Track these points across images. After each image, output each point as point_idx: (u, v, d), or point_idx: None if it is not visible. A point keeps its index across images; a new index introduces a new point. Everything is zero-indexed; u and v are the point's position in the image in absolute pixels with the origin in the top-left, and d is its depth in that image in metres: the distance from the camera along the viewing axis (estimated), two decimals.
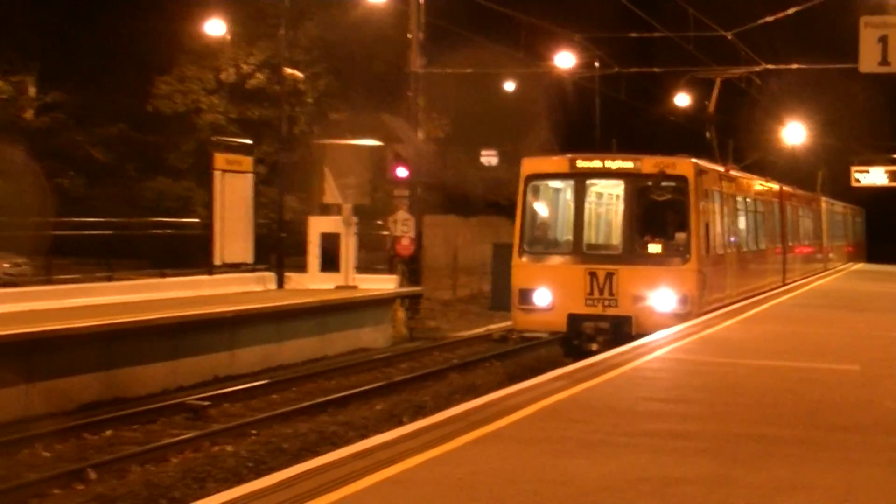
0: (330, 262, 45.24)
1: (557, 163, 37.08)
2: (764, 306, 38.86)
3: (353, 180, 43.94)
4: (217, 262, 44.30)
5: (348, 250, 45.11)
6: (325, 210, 45.80)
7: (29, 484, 21.80)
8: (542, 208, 37.40)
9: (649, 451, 14.25)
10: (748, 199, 45.69)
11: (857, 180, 70.75)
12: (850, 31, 33.11)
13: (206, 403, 29.97)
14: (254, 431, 27.38)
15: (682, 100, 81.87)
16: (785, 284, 52.81)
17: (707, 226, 35.72)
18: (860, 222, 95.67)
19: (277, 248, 48.09)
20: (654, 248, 34.84)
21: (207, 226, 45.55)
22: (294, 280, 45.90)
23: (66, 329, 29.97)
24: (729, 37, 51.13)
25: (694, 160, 35.43)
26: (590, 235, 37.11)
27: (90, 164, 69.12)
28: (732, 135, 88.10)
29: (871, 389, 20.33)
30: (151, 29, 67.57)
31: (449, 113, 67.28)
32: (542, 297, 34.81)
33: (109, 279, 43.92)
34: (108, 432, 26.86)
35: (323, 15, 68.14)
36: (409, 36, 47.88)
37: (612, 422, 16.33)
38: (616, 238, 37.07)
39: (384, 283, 45.99)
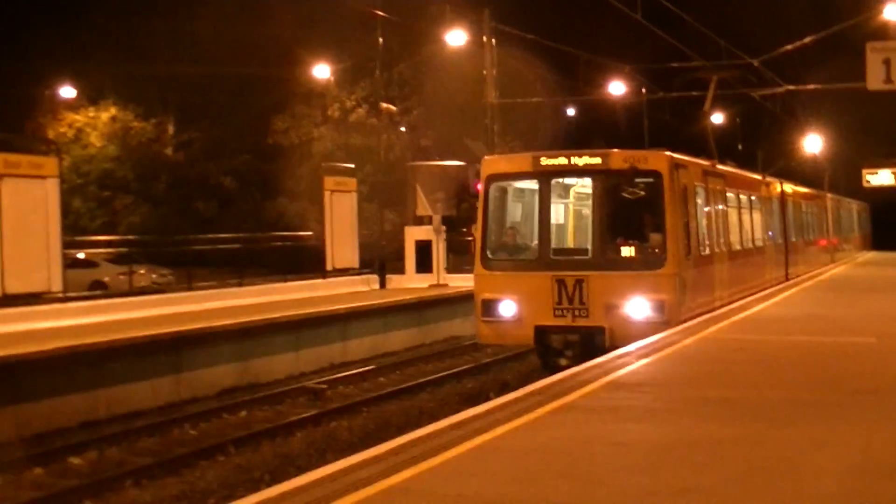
0: (423, 264, 45.40)
1: (520, 161, 29.29)
2: (762, 304, 30.93)
3: (441, 195, 43.84)
4: (329, 267, 44.90)
5: (439, 254, 45.07)
6: (419, 221, 45.83)
7: (179, 457, 21.99)
8: (505, 212, 29.43)
9: (700, 417, 14.14)
10: (742, 196, 37.18)
11: (868, 181, 69.96)
12: (859, 54, 33.00)
13: (324, 387, 29.99)
14: (364, 409, 27.41)
15: (717, 118, 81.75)
16: (788, 279, 44.47)
17: (687, 225, 27.78)
18: (865, 216, 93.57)
19: (379, 254, 48.27)
20: (627, 251, 27.08)
21: (320, 237, 46.32)
22: (394, 281, 45.98)
23: (207, 328, 30.22)
24: (755, 64, 50.97)
25: (668, 153, 27.26)
26: (557, 239, 29.23)
27: (221, 189, 69.62)
28: (760, 146, 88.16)
29: (886, 359, 19.92)
30: (268, 75, 67.93)
31: (520, 136, 67.04)
32: (507, 308, 27.25)
33: (240, 285, 44.25)
34: (243, 413, 27.01)
35: (412, 58, 68.33)
36: (484, 73, 47.78)
37: (667, 392, 16.28)
38: (586, 242, 28.54)
39: (470, 282, 45.87)
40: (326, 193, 45.10)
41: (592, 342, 25.88)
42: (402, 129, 67.88)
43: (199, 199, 67.87)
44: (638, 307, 26.08)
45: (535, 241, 28.04)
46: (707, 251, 30.09)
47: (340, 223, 44.69)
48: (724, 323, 26.01)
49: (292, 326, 33.45)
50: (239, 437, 23.94)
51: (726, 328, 25.08)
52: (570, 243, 30.26)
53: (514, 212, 29.62)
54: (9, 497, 19.26)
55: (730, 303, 31.26)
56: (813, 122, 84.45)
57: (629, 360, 19.33)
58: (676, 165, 27.19)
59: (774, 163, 78.97)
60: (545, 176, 27.79)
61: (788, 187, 49.52)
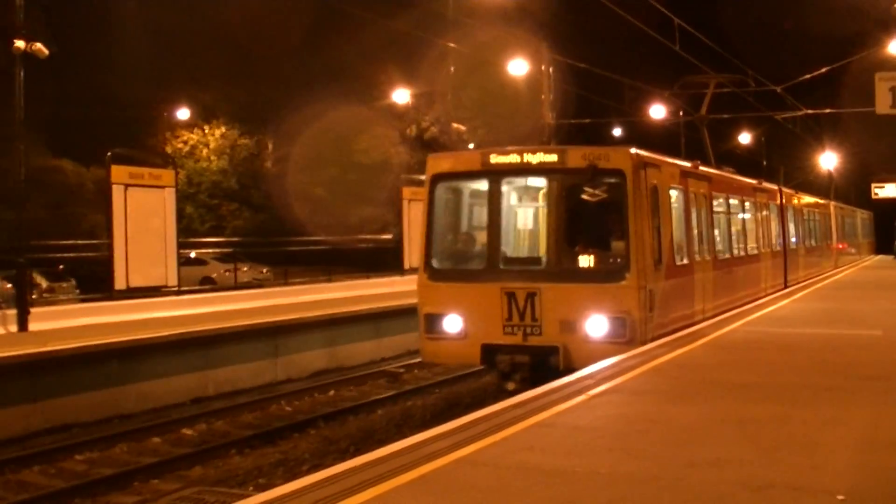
0: None
1: (468, 159, 23.79)
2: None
3: None
4: (406, 266, 45.05)
5: None
6: None
7: (276, 430, 22.14)
8: (451, 215, 23.65)
9: (730, 398, 14.09)
10: (733, 201, 31.27)
11: (876, 193, 69.46)
12: (868, 82, 32.79)
13: (402, 371, 30.06)
14: (436, 390, 27.50)
15: (744, 137, 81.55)
16: (787, 286, 38.84)
17: (659, 230, 22.26)
18: (870, 224, 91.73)
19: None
20: (586, 260, 21.69)
21: (398, 240, 46.48)
22: None
23: (301, 318, 30.40)
24: (779, 90, 50.81)
25: (634, 150, 21.68)
26: (509, 247, 23.28)
27: (312, 198, 69.75)
28: (783, 162, 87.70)
29: (892, 349, 19.78)
30: (353, 99, 68.18)
31: None
32: (452, 323, 21.80)
33: (328, 281, 44.49)
34: (332, 392, 27.16)
35: (478, 83, 68.33)
36: (542, 97, 47.70)
37: (700, 376, 16.19)
38: (540, 249, 23.13)
39: None
40: (404, 202, 45.49)
41: (546, 364, 20.72)
42: (471, 146, 67.98)
43: (292, 207, 68.27)
44: (597, 325, 20.69)
45: (484, 249, 22.50)
46: (686, 260, 24.51)
47: (415, 227, 44.53)
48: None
49: (373, 317, 33.54)
50: (327, 413, 24.10)
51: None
52: (523, 251, 23.91)
53: (463, 216, 23.87)
54: (132, 461, 19.50)
55: (717, 315, 25.93)
56: (828, 141, 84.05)
57: (665, 351, 19.22)
58: (644, 164, 21.74)
59: (795, 177, 78.58)
60: (496, 175, 22.33)
61: (788, 193, 43.63)
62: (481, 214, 22.93)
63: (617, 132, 74.05)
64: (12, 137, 30.34)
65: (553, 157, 21.64)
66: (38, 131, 56.68)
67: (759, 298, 32.20)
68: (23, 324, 27.39)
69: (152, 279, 31.77)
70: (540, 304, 20.92)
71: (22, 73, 28.92)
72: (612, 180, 21.19)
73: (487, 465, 10.55)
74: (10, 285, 35.08)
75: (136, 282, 31.31)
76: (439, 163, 23.00)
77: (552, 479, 9.93)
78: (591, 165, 20.91)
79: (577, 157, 21.18)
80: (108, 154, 32.33)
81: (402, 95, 64.48)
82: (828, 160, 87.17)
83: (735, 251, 30.46)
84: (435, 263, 22.42)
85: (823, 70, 47.26)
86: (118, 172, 31.42)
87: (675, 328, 22.26)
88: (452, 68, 49.77)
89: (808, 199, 50.35)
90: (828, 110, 57.79)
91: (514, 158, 21.94)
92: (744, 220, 32.67)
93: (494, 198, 22.28)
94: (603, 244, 21.64)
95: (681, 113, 62.46)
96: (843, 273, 52.52)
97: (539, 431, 12.20)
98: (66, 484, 17.77)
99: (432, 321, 21.94)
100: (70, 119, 63.82)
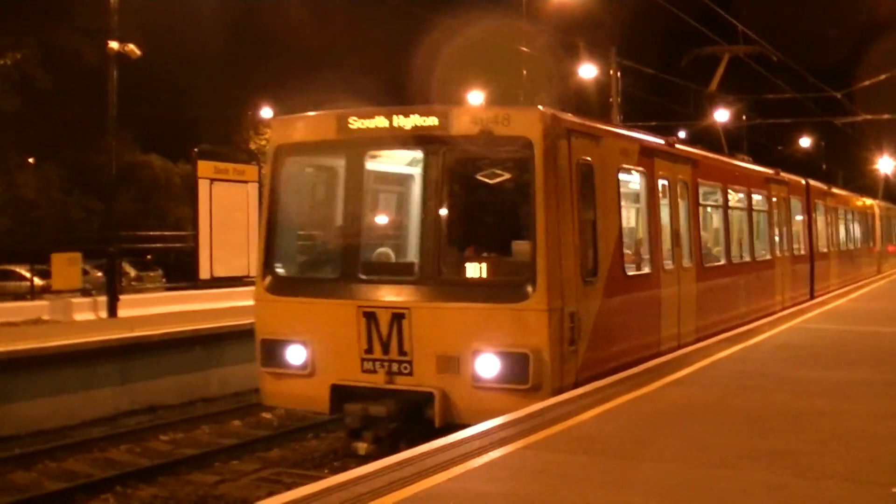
0: None
1: (321, 124, 16.05)
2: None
3: None
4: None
5: None
6: None
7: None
8: (301, 203, 17.01)
9: (787, 392, 13.96)
10: (734, 194, 24.31)
11: None
12: None
13: None
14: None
15: (805, 142, 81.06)
16: (814, 296, 31.68)
17: (594, 228, 15.55)
18: None
19: None
20: (475, 269, 14.97)
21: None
22: None
23: None
24: (839, 96, 50.39)
25: (549, 110, 14.89)
26: (371, 249, 16.43)
27: None
28: (842, 166, 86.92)
29: None
30: (427, 100, 68.22)
31: None
32: (296, 354, 15.43)
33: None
34: None
35: (551, 88, 68.26)
36: (610, 100, 47.53)
37: (760, 370, 16.02)
38: (412, 252, 16.10)
39: None
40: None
41: (419, 415, 14.50)
42: None
43: None
44: (488, 364, 14.01)
45: (339, 250, 15.87)
46: (648, 269, 17.99)
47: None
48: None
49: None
50: None
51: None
52: (390, 255, 16.63)
53: (317, 204, 17.35)
54: (213, 443, 19.59)
55: (704, 338, 19.91)
56: (886, 146, 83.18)
57: (726, 345, 19.04)
58: (568, 132, 14.85)
59: (853, 182, 77.82)
60: (357, 147, 15.52)
61: (818, 189, 35.70)
62: (338, 201, 16.28)
63: (682, 135, 73.64)
64: (105, 134, 30.79)
65: (432, 121, 14.90)
66: (128, 128, 57.44)
67: (774, 312, 25.87)
68: (112, 310, 27.83)
69: (234, 269, 31.95)
70: (410, 331, 14.46)
71: (115, 73, 29.31)
72: (515, 153, 14.68)
73: (561, 442, 11.02)
74: (100, 274, 35.60)
75: (220, 272, 31.57)
76: (287, 130, 16.34)
77: None
78: (485, 132, 14.39)
79: (465, 120, 14.67)
80: (195, 150, 32.64)
81: (476, 97, 64.50)
82: (885, 164, 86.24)
83: (735, 256, 23.78)
84: (277, 270, 15.96)
85: (882, 77, 46.76)
86: (204, 167, 31.73)
87: (626, 362, 16.09)
88: (525, 72, 49.57)
89: (842, 194, 42.91)
90: (886, 116, 57.07)
91: (380, 122, 15.19)
92: (750, 217, 25.39)
93: (354, 178, 15.69)
94: (501, 246, 15.04)
95: (743, 117, 62.10)
96: (887, 279, 45.04)
97: (607, 417, 12.44)
98: (150, 462, 17.85)
99: (272, 350, 15.69)
100: (159, 117, 64.55)
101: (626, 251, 17.37)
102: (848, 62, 68.35)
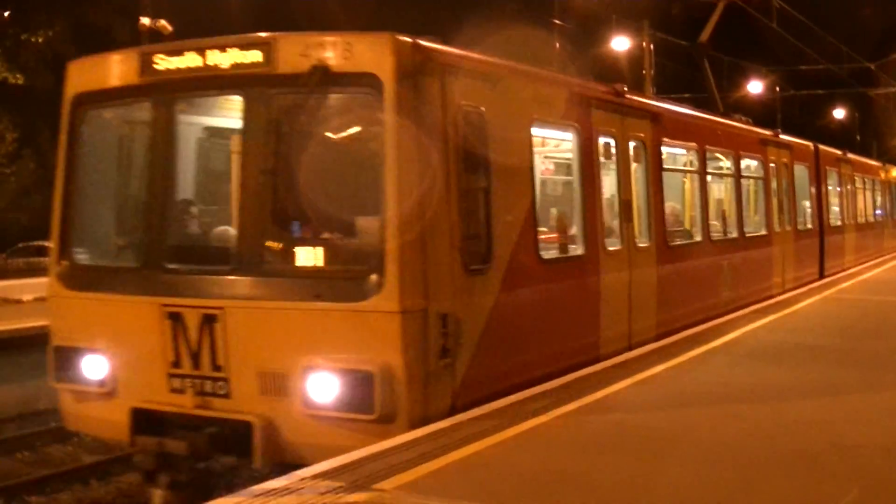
0: None
1: (122, 65, 11.69)
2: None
3: None
4: None
5: None
6: None
7: None
8: (103, 168, 12.47)
9: (818, 363, 13.67)
10: (711, 155, 19.69)
11: None
12: None
13: None
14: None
15: (839, 113, 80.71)
16: (823, 276, 27.52)
17: (485, 200, 11.44)
18: None
19: None
20: (308, 255, 10.57)
21: None
22: None
23: None
24: (872, 67, 49.97)
25: (405, 38, 10.49)
26: (181, 228, 12.01)
27: None
28: (876, 138, 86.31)
29: None
30: None
31: None
32: (94, 367, 11.44)
33: None
34: None
35: (584, 59, 68.01)
36: (643, 72, 47.26)
37: (794, 341, 15.70)
38: (230, 232, 11.53)
39: None
40: None
41: (240, 452, 10.68)
42: None
43: None
44: (324, 385, 10.18)
45: (139, 230, 11.98)
46: (578, 250, 13.84)
47: None
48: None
49: None
50: None
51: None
52: (204, 237, 12.26)
53: (121, 170, 12.71)
54: None
55: (667, 333, 16.04)
56: None
57: (759, 315, 18.57)
58: (441, 67, 10.91)
59: (888, 153, 77.32)
60: (164, 93, 11.55)
61: (831, 155, 30.89)
62: (142, 165, 12.22)
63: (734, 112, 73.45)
64: None
65: (254, 55, 10.85)
66: None
67: (773, 296, 22.29)
68: None
69: None
70: (224, 340, 10.68)
71: None
72: (359, 96, 10.73)
73: (594, 413, 10.71)
74: None
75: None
76: (84, 75, 12.22)
77: None
78: (319, 68, 10.38)
79: (295, 52, 10.59)
80: None
81: None
82: None
83: (716, 232, 19.74)
84: (75, 257, 12.05)
85: None
86: None
87: (540, 375, 12.28)
88: (557, 45, 49.34)
89: (861, 162, 37.81)
90: None
91: (192, 61, 11.20)
92: (738, 186, 21.20)
93: (161, 135, 11.71)
94: (345, 224, 10.83)
95: (777, 88, 61.66)
96: None
97: (642, 387, 12.28)
98: None
99: (67, 361, 11.71)
100: None
101: (544, 229, 13.88)
102: (882, 33, 67.79)
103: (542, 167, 15.39)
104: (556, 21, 47.00)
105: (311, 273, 10.50)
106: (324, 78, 10.40)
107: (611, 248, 14.55)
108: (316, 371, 10.15)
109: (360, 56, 10.41)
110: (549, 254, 13.33)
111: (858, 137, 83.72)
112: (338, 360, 10.10)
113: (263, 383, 10.53)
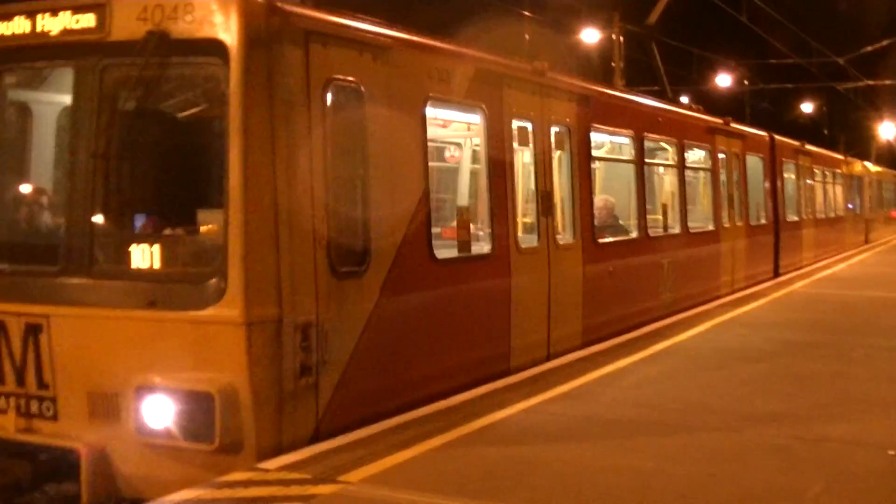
0: None
1: None
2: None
3: None
4: None
5: None
6: None
7: None
8: None
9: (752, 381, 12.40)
10: (650, 144, 18.17)
11: None
12: None
13: None
14: None
15: (807, 107, 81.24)
16: (779, 274, 26.28)
17: (365, 189, 9.96)
18: None
19: None
20: (144, 254, 8.91)
21: None
22: None
23: None
24: (841, 62, 50.27)
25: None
26: (11, 219, 10.40)
27: None
28: (844, 132, 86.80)
29: None
30: None
31: None
32: None
33: None
34: None
35: (553, 52, 67.99)
36: (612, 64, 47.32)
37: (739, 345, 15.86)
38: (57, 229, 9.78)
39: None
40: None
41: (69, 480, 9.12)
42: None
43: None
44: (159, 408, 8.69)
45: None
46: (485, 247, 12.47)
47: None
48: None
49: None
50: None
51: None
52: (26, 231, 10.39)
53: None
54: None
55: (595, 341, 14.73)
56: (887, 112, 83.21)
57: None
58: (305, 33, 9.37)
59: (856, 147, 77.77)
60: None
61: (788, 146, 29.49)
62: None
63: (684, 100, 73.52)
64: None
65: (87, 20, 9.32)
66: None
67: (721, 296, 20.97)
68: None
69: None
70: (50, 353, 9.24)
71: None
72: (202, 67, 9.28)
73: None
74: None
75: None
76: None
77: None
78: (155, 33, 8.88)
79: (131, 16, 9.09)
80: None
81: None
82: (887, 130, 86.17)
83: (654, 227, 18.23)
84: None
85: (885, 43, 46.70)
86: None
87: (432, 393, 10.82)
88: (527, 36, 49.35)
89: (821, 154, 36.28)
90: (888, 81, 57.12)
91: (20, 26, 9.62)
92: (682, 177, 19.52)
93: None
94: (189, 218, 9.30)
95: (745, 82, 61.91)
96: (872, 251, 38.47)
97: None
98: None
99: None
100: None
101: (441, 224, 13.01)
102: (851, 28, 68.26)
103: (441, 154, 14.14)
104: (527, 14, 46.94)
105: (146, 276, 8.98)
106: (161, 46, 8.87)
107: (525, 246, 13.11)
108: (150, 392, 8.69)
109: (202, 19, 8.86)
110: (446, 253, 11.67)
111: (826, 132, 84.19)
112: (174, 379, 8.63)
113: (93, 404, 9.05)
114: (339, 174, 9.56)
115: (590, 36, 50.18)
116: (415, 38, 11.29)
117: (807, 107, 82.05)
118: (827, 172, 35.24)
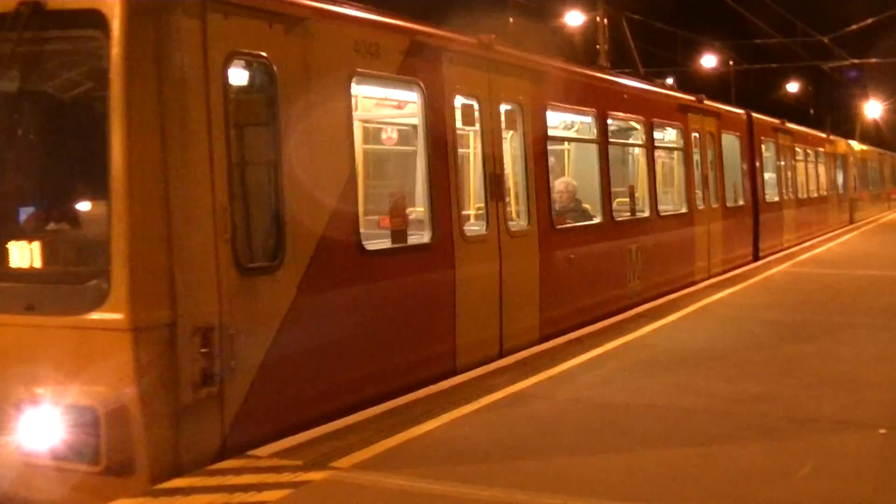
0: None
1: None
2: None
3: None
4: None
5: None
6: None
7: None
8: None
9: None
10: (614, 122, 17.11)
11: None
12: None
13: None
14: None
15: (793, 87, 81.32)
16: (759, 257, 25.29)
17: (277, 175, 8.84)
18: None
19: None
20: (24, 252, 7.89)
21: None
22: None
23: None
24: (826, 41, 50.30)
25: None
26: None
27: None
28: (830, 112, 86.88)
29: None
30: None
31: None
32: None
33: None
34: None
35: (536, 36, 67.89)
36: (597, 47, 47.31)
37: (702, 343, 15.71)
38: None
39: None
40: None
41: None
42: None
43: None
44: (41, 424, 7.75)
45: None
46: (424, 237, 11.45)
47: None
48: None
49: None
50: None
51: None
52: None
53: None
54: None
55: (555, 334, 13.73)
56: (872, 91, 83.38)
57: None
58: (201, 3, 8.14)
59: (842, 126, 77.86)
60: None
61: (768, 124, 28.46)
62: None
63: (669, 82, 73.52)
64: None
65: None
66: None
67: (696, 282, 20.01)
68: None
69: None
70: None
71: None
72: (82, 41, 8.12)
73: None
74: None
75: None
76: None
77: None
78: (27, 4, 7.88)
79: None
80: None
81: None
82: (873, 109, 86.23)
83: (620, 212, 17.26)
84: None
85: (870, 21, 46.65)
86: None
87: (364, 398, 9.86)
88: (511, 20, 49.30)
89: (803, 132, 34.90)
90: (874, 60, 57.12)
91: None
92: (651, 158, 18.45)
93: None
94: (70, 212, 8.49)
95: (730, 62, 61.90)
96: (859, 231, 37.60)
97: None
98: None
99: None
100: None
101: (377, 213, 12.07)
102: (836, 7, 68.21)
103: (377, 136, 13.05)
104: None
105: (24, 276, 8.02)
106: (35, 18, 7.83)
107: (472, 234, 12.11)
108: (30, 406, 7.75)
109: None
110: (376, 244, 10.60)
111: (812, 111, 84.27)
112: (56, 391, 7.67)
113: None
114: (246, 160, 8.59)
115: (574, 19, 50.00)
116: (334, 8, 10.03)
117: (792, 87, 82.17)
118: (809, 151, 34.07)
